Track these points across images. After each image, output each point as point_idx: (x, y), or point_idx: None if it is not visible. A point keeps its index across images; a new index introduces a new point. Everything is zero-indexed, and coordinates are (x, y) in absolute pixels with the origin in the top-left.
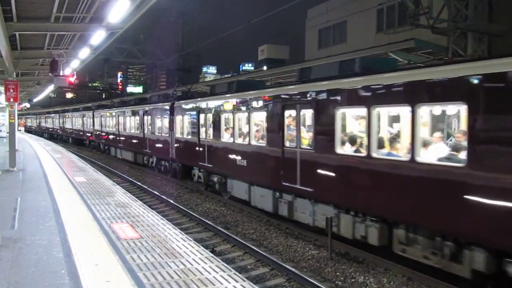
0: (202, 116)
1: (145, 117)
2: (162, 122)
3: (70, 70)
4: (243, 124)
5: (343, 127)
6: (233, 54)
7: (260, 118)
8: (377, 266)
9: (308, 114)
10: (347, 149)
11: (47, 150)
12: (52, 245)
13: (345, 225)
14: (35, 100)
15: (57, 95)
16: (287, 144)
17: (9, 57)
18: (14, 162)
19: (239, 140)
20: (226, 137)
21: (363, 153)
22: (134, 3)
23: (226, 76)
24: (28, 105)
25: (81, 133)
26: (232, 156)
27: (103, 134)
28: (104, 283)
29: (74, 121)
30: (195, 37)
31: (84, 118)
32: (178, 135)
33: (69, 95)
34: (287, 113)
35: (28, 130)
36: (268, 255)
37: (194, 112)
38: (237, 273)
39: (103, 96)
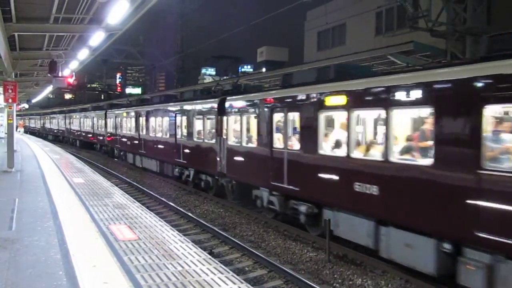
0: (277, 116)
1: (178, 118)
2: (204, 125)
3: (69, 71)
4: (367, 128)
5: None
6: (232, 55)
7: (414, 119)
8: (375, 269)
9: None
10: None
11: (45, 151)
12: (50, 246)
13: None
14: (33, 100)
15: (55, 96)
16: (491, 165)
17: (7, 57)
18: (12, 163)
19: (357, 154)
20: (327, 148)
21: None
22: (133, 4)
23: (225, 78)
24: (26, 105)
25: (91, 135)
26: (341, 178)
27: (119, 137)
28: (102, 284)
29: (83, 122)
30: (194, 38)
31: (95, 119)
32: (231, 142)
33: (67, 96)
34: (491, 111)
35: (32, 131)
36: (266, 257)
37: (263, 111)
38: (235, 275)
39: (102, 97)
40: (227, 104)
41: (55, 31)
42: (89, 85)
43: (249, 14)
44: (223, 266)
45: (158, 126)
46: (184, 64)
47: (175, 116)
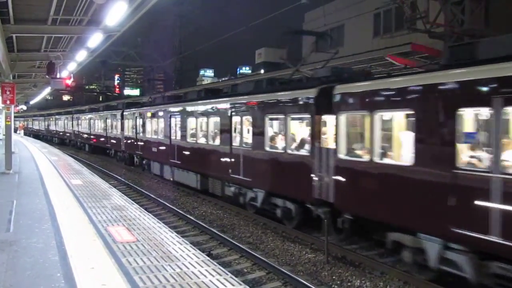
0: (469, 113)
1: (235, 119)
2: (286, 127)
3: (67, 72)
4: None
5: None
6: (231, 57)
7: None
8: (374, 270)
9: None
10: None
11: (44, 152)
12: (48, 248)
13: None
14: (31, 102)
15: (53, 97)
16: None
17: (5, 59)
18: (10, 165)
19: None
20: None
21: None
22: (132, 6)
23: (223, 79)
24: (24, 107)
25: (103, 139)
26: None
27: (140, 142)
28: (100, 286)
29: (93, 124)
30: (192, 40)
31: (108, 120)
32: (345, 155)
33: (65, 98)
34: None
35: (35, 134)
36: (265, 259)
37: (430, 105)
38: (233, 277)
39: (100, 99)
40: (337, 97)
41: (53, 32)
42: (87, 87)
43: (248, 16)
44: (221, 268)
45: (201, 129)
46: (182, 65)
47: (230, 117)
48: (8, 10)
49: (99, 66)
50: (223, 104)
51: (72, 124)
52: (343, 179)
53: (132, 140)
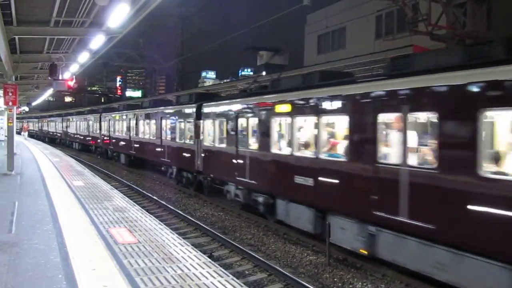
0: None
1: None
2: None
3: (69, 74)
4: None
5: None
6: (233, 59)
7: None
8: (375, 273)
9: None
10: None
11: (45, 154)
12: (50, 250)
13: None
14: (34, 103)
15: (55, 99)
16: None
17: (8, 60)
18: (12, 166)
19: None
20: None
21: None
22: (134, 7)
23: (225, 81)
24: (26, 108)
25: (157, 149)
26: None
27: (250, 161)
28: (102, 287)
29: (136, 127)
30: (194, 42)
31: (165, 121)
32: None
33: (68, 99)
34: None
35: (51, 138)
36: (266, 261)
37: None
38: (234, 279)
39: (102, 100)
40: None
41: (56, 34)
42: (89, 88)
43: (249, 18)
44: (222, 270)
45: None
46: (184, 67)
47: None
48: (11, 11)
49: (101, 67)
50: None
51: (100, 126)
52: None
53: (225, 156)
